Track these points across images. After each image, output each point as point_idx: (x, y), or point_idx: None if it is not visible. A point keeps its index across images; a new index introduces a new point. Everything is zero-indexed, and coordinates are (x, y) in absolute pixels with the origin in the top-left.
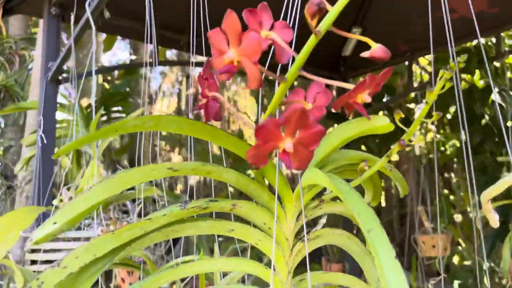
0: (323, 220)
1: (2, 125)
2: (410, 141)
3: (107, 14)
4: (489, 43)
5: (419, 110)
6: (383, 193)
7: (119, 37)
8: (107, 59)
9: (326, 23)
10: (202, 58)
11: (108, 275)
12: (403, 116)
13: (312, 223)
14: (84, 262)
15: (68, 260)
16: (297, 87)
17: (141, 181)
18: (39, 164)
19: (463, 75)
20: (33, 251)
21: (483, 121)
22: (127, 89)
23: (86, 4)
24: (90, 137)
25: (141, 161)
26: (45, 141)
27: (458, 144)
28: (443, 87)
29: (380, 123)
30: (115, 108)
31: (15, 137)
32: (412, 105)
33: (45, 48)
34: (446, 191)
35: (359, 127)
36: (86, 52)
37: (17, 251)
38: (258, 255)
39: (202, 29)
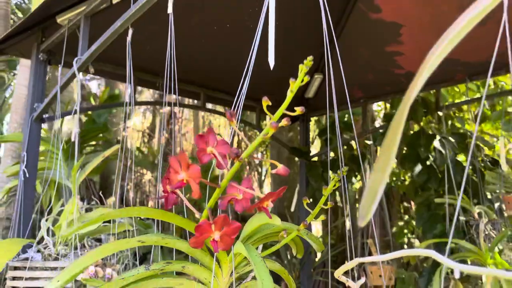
0: (252, 274)
1: None
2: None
3: (91, 70)
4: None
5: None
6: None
7: None
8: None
9: (246, 154)
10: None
11: None
12: (308, 201)
13: (245, 276)
14: None
15: None
16: (233, 182)
17: (117, 250)
18: (21, 196)
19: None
20: (14, 278)
21: (428, 162)
22: (108, 115)
23: (74, 62)
24: (89, 223)
25: (113, 180)
26: (27, 175)
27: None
28: (334, 185)
29: (276, 222)
30: (93, 142)
31: None
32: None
33: (31, 90)
34: (405, 217)
35: (266, 219)
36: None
37: None
38: None
39: (173, 73)
